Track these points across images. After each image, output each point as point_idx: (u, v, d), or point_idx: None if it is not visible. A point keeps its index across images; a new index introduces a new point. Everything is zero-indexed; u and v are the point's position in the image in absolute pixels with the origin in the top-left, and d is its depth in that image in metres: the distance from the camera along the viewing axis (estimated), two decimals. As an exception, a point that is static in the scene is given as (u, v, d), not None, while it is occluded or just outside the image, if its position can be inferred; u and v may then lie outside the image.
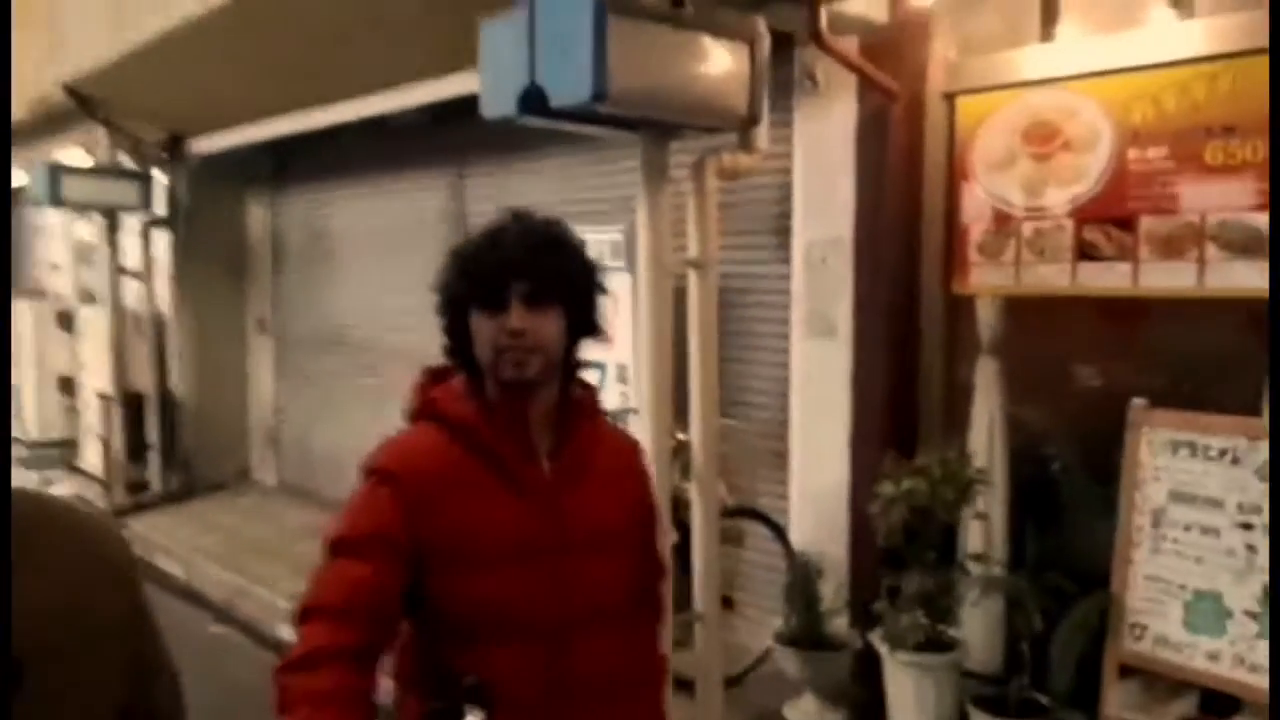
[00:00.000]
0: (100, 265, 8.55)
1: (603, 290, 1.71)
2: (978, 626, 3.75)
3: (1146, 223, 3.44)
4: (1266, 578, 2.78)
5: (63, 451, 9.52)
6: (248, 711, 2.40)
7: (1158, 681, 3.00)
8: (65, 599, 0.86)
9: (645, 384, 3.49)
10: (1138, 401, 3.09)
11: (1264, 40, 3.17)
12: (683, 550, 3.63)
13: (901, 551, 3.52)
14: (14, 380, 9.62)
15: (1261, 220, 3.20)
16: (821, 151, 4.26)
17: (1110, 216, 3.53)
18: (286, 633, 5.40)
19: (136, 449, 8.32)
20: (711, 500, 3.67)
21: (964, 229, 3.92)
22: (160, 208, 8.24)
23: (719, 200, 3.66)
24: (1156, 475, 3.02)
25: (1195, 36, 3.33)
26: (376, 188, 7.37)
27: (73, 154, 8.62)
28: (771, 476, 4.66)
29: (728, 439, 4.35)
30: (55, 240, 10.70)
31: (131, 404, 8.35)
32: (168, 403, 8.45)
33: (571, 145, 5.21)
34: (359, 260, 7.62)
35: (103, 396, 8.59)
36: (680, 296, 3.57)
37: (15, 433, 9.56)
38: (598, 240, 4.55)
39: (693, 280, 3.56)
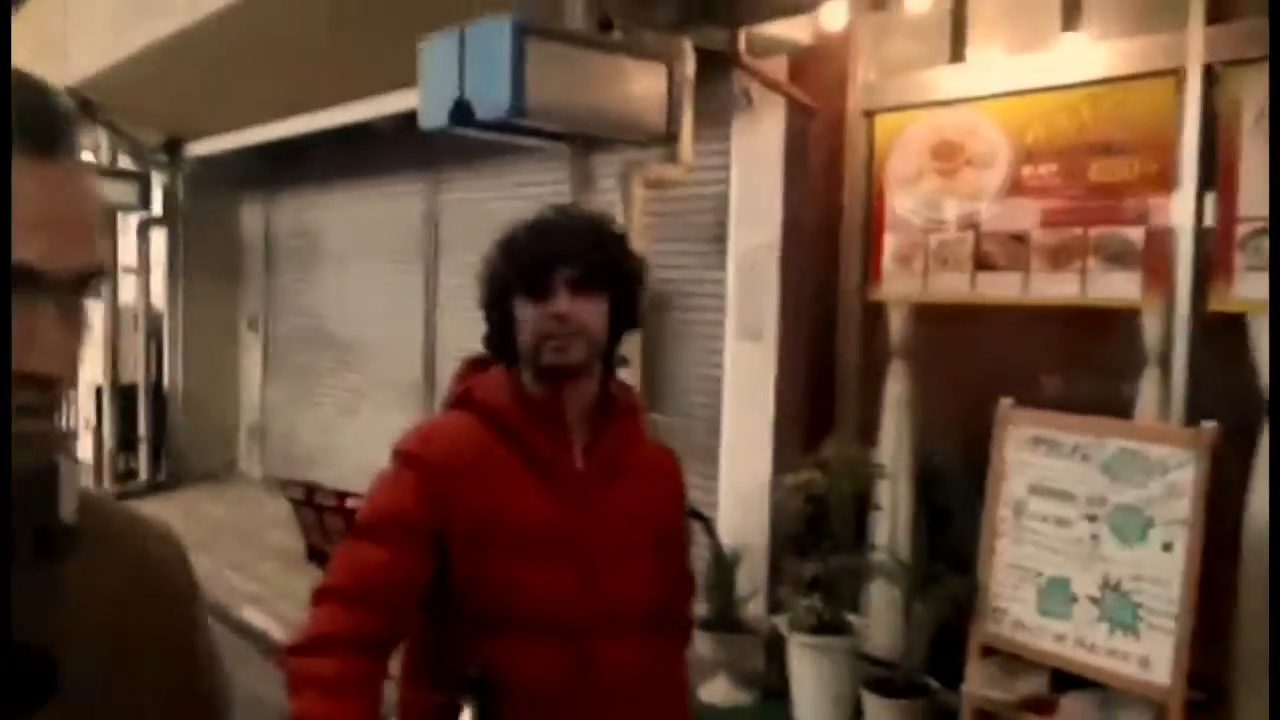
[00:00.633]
0: (99, 262, 8.85)
1: (644, 283, 1.70)
2: (881, 613, 3.99)
3: (1037, 235, 3.69)
4: (1107, 565, 3.00)
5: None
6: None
7: (1014, 661, 3.22)
8: (102, 618, 0.78)
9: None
10: (1005, 401, 3.32)
11: (1152, 64, 3.42)
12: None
13: (802, 539, 3.76)
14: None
15: (1136, 234, 3.44)
16: (754, 164, 4.51)
17: (1005, 230, 3.77)
18: (249, 614, 5.68)
19: (127, 440, 8.62)
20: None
21: (880, 239, 4.17)
22: (158, 208, 8.57)
23: (663, 209, 3.91)
24: (1020, 469, 3.24)
25: (1091, 60, 3.55)
26: (359, 192, 7.67)
27: (74, 155, 8.93)
28: (705, 472, 4.88)
29: (665, 436, 4.57)
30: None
31: (124, 396, 8.66)
32: (159, 396, 8.76)
33: (539, 156, 5.45)
34: (342, 261, 7.91)
35: (96, 388, 8.89)
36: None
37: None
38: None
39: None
